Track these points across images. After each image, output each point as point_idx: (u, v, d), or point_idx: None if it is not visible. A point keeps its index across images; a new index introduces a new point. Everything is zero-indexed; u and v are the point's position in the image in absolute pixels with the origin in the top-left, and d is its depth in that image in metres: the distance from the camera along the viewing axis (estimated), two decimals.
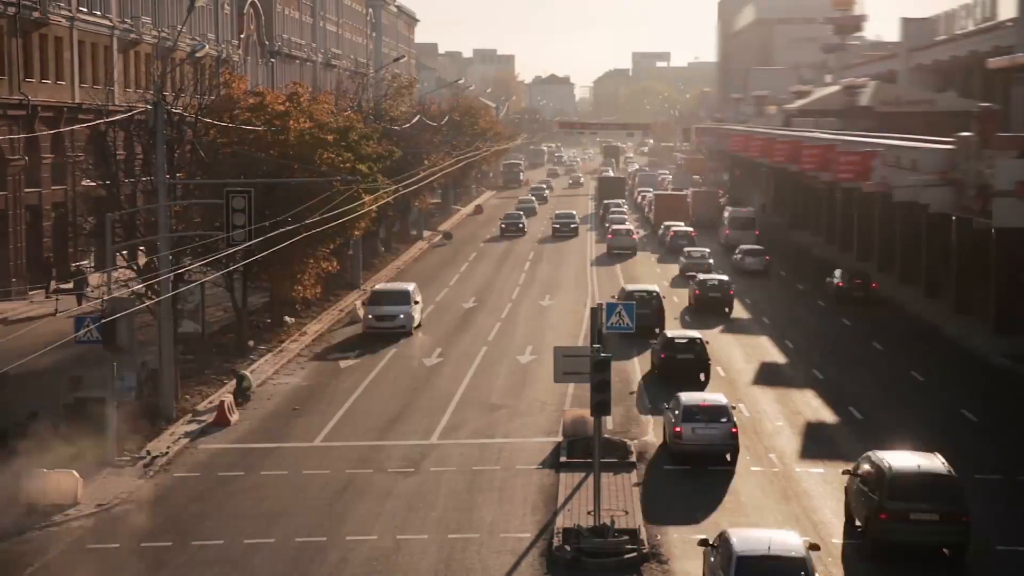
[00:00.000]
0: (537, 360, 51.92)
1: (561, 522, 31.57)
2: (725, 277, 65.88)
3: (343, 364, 52.49)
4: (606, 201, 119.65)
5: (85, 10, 73.28)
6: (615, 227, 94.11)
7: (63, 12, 70.09)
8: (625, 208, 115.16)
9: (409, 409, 44.53)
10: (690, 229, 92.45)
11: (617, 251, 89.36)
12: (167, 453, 38.59)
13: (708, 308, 62.87)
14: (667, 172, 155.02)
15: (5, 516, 32.32)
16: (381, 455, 38.71)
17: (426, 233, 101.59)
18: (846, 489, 31.84)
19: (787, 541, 26.49)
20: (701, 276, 66.49)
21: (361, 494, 34.83)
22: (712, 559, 26.87)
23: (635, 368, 50.38)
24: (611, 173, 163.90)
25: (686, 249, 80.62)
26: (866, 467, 30.55)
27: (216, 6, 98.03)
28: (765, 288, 72.51)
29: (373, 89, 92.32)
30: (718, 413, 37.10)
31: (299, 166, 51.14)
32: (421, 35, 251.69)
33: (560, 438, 39.40)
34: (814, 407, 44.39)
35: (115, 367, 37.90)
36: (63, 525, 32.36)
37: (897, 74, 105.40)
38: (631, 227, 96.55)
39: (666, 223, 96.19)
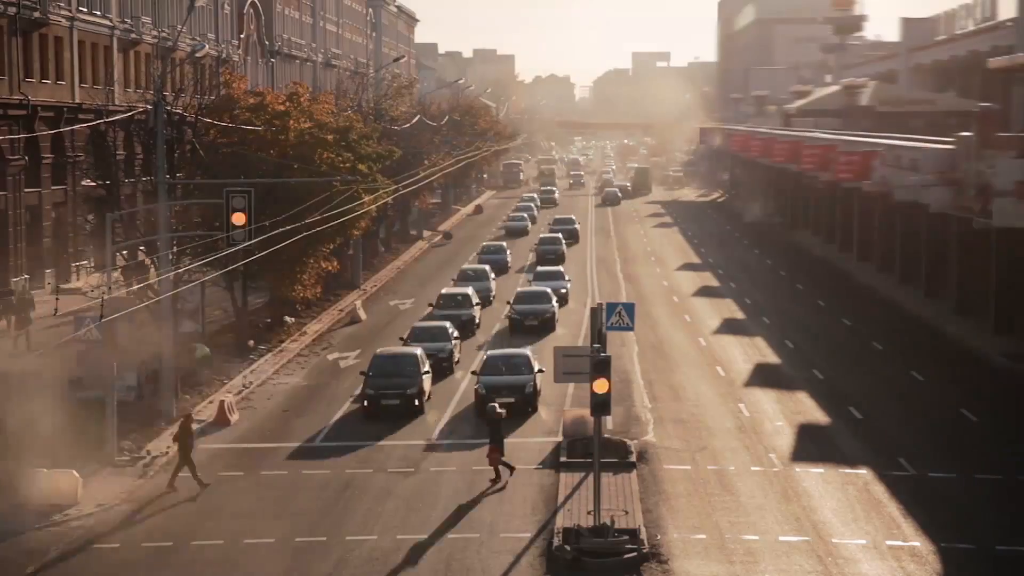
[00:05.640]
0: (538, 359, 51.71)
1: (561, 522, 31.57)
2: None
3: (343, 364, 52.50)
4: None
5: (85, 10, 73.25)
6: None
7: (63, 12, 70.06)
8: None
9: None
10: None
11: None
12: (167, 453, 38.55)
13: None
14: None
15: (5, 516, 32.32)
16: (381, 455, 38.70)
17: (426, 233, 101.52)
18: None
19: None
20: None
21: (361, 494, 34.80)
22: None
23: (634, 363, 50.42)
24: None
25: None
26: None
27: (216, 6, 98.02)
28: (763, 287, 72.53)
29: (373, 89, 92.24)
30: None
31: (299, 166, 51.11)
32: (421, 35, 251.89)
33: (560, 438, 39.40)
34: (814, 407, 44.35)
35: (115, 367, 37.88)
36: (63, 525, 32.36)
37: (897, 74, 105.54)
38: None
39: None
